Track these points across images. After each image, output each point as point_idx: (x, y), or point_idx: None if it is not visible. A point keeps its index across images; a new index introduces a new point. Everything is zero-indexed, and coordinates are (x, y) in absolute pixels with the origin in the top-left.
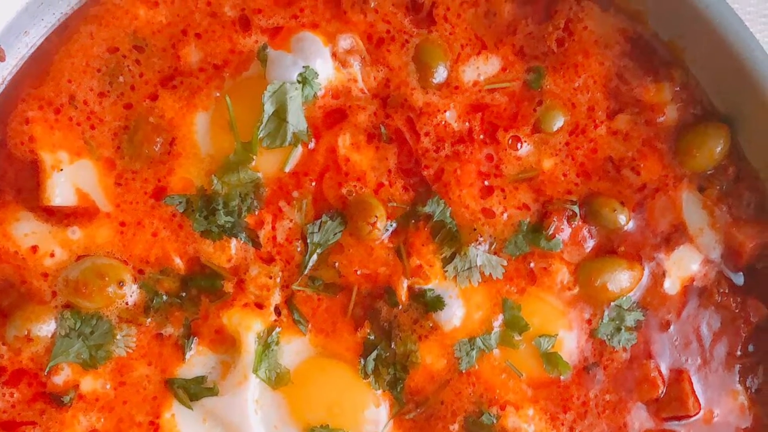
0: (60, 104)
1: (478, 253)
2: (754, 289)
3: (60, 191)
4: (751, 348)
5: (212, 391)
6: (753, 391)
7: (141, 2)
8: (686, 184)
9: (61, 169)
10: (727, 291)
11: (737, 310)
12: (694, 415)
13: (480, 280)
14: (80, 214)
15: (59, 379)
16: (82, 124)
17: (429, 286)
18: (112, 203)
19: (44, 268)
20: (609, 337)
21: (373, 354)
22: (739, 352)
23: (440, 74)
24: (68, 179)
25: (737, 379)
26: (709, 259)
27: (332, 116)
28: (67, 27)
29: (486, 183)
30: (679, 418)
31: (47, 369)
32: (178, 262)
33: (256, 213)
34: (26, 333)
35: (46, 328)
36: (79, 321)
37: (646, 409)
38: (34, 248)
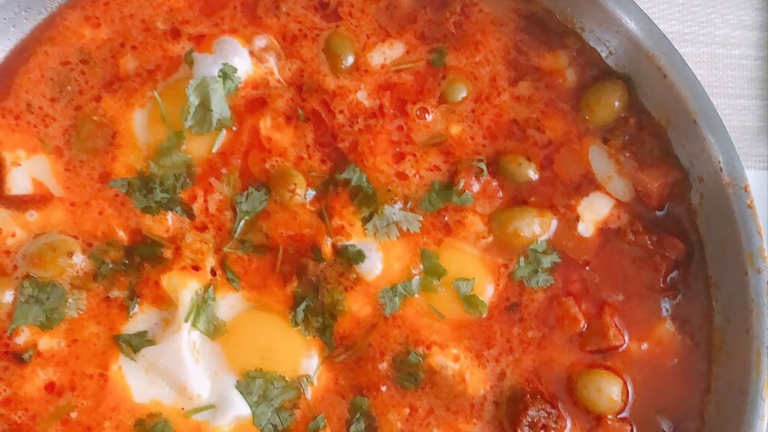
0: (19, 112)
1: (395, 211)
2: (672, 227)
3: (18, 183)
4: (673, 280)
5: (152, 342)
6: (680, 321)
7: (86, 23)
8: (590, 137)
9: (20, 164)
10: (641, 230)
11: (653, 248)
12: (619, 346)
13: (398, 235)
14: (36, 200)
15: (20, 339)
16: (37, 125)
17: (350, 242)
18: (63, 187)
19: (6, 246)
20: (527, 279)
21: (302, 305)
22: (661, 285)
23: (348, 61)
24: (25, 172)
25: (663, 311)
26: (621, 202)
27: (254, 103)
28: (25, 48)
29: (398, 150)
30: (603, 351)
31: (9, 331)
32: (122, 235)
33: (189, 189)
34: None
35: (8, 296)
36: (36, 289)
37: (573, 344)
38: None
